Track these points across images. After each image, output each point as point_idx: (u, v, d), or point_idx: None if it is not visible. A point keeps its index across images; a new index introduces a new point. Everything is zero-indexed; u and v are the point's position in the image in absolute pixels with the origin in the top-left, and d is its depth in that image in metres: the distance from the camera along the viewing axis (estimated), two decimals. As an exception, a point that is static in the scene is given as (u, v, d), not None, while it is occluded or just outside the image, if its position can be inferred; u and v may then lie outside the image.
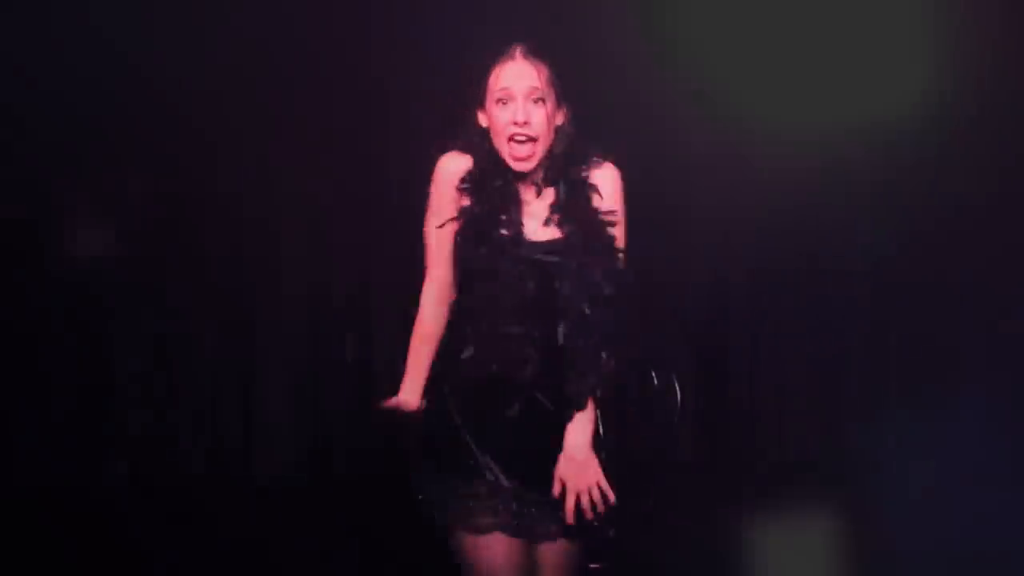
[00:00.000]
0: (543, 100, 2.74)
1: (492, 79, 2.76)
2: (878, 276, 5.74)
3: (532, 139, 2.74)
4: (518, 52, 2.76)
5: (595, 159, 2.82)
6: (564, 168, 2.78)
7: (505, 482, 2.75)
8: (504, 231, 2.74)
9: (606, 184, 2.82)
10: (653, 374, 5.35)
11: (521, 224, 2.76)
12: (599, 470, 2.77)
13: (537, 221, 2.77)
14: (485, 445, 2.76)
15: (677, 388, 5.33)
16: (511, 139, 2.74)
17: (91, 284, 5.18)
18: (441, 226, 2.81)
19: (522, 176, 2.79)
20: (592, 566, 4.13)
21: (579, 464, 2.75)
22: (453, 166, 2.80)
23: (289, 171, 5.33)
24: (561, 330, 2.72)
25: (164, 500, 5.09)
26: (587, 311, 2.71)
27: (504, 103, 2.73)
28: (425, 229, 2.86)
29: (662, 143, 5.44)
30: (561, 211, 2.77)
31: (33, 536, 4.58)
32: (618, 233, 2.83)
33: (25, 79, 4.84)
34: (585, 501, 2.74)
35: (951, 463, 4.84)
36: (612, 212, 2.80)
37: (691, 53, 5.22)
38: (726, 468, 5.54)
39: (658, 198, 5.47)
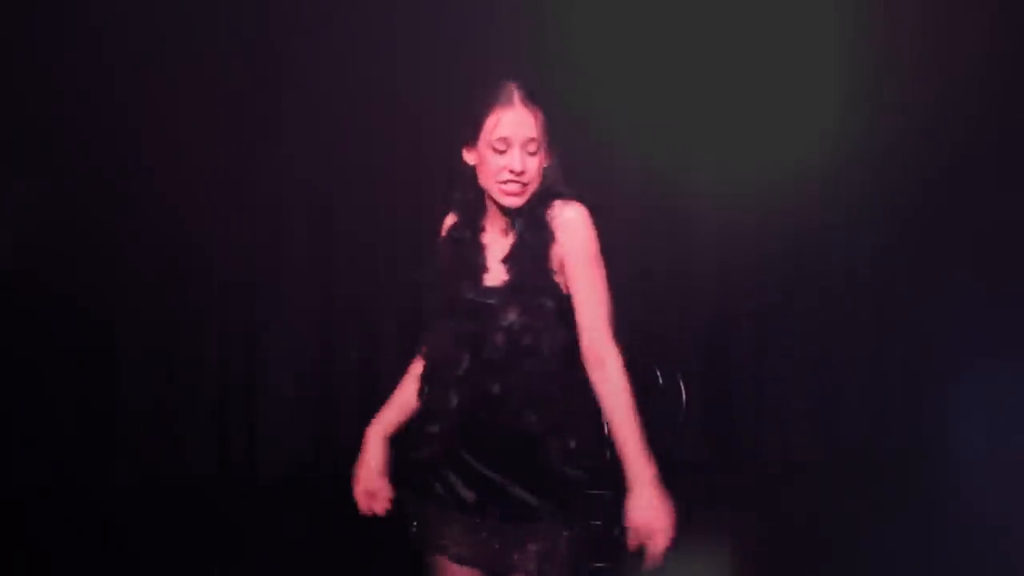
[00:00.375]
0: (538, 150, 2.78)
1: (490, 123, 2.78)
2: (881, 275, 5.78)
3: (525, 184, 2.78)
4: (516, 97, 2.78)
5: (561, 200, 2.82)
6: (531, 208, 2.80)
7: (476, 512, 2.81)
8: (459, 283, 2.82)
9: (568, 226, 2.80)
10: (658, 373, 5.37)
11: (481, 273, 2.83)
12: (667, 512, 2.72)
13: (496, 261, 2.83)
14: (458, 475, 2.83)
15: (682, 387, 5.39)
16: (503, 184, 2.78)
17: (97, 286, 5.22)
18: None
19: (502, 217, 2.84)
20: (597, 565, 4.13)
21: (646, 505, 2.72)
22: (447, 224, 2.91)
23: (296, 172, 5.41)
24: (476, 364, 2.79)
25: (169, 500, 5.13)
26: (501, 349, 2.75)
27: (501, 152, 2.77)
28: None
29: (661, 149, 5.51)
30: (514, 252, 2.81)
31: (38, 536, 4.62)
32: (584, 272, 2.79)
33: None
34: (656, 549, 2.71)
35: (955, 462, 4.84)
36: (568, 256, 2.79)
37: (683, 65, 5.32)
38: (731, 468, 5.57)
39: (661, 200, 5.57)
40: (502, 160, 2.77)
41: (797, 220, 5.60)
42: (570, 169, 2.87)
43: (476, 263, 2.84)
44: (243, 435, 5.41)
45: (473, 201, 2.86)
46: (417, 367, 2.93)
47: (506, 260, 2.81)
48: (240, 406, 5.41)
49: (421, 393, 2.88)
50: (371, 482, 2.95)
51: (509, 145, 2.77)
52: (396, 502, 2.92)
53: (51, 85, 5.01)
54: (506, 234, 2.85)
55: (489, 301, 2.79)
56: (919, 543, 4.48)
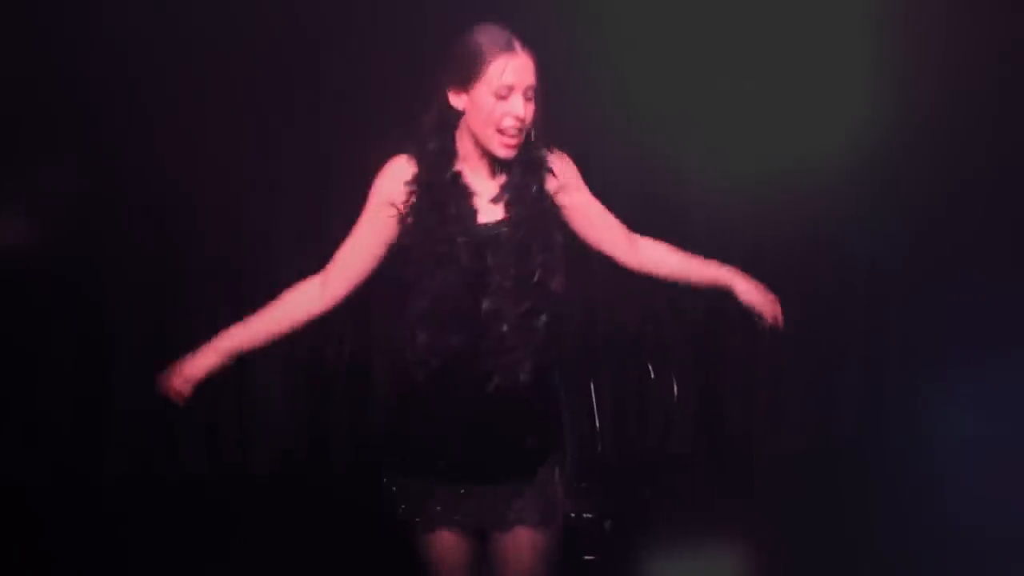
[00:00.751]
0: (534, 96, 2.77)
1: (493, 70, 2.72)
2: (875, 267, 5.73)
3: (521, 132, 2.77)
4: (516, 44, 2.74)
5: (548, 148, 2.87)
6: (523, 150, 2.79)
7: (459, 475, 2.81)
8: (453, 224, 2.76)
9: (561, 165, 2.88)
10: (650, 367, 5.37)
11: (474, 211, 2.78)
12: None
13: (486, 201, 2.80)
14: (439, 438, 2.81)
15: (674, 381, 5.40)
16: (503, 131, 2.74)
17: (88, 281, 5.15)
18: (391, 215, 2.83)
19: (482, 160, 2.83)
20: (587, 557, 4.14)
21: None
22: (401, 168, 2.81)
23: (284, 168, 5.31)
24: (485, 304, 2.75)
25: (162, 495, 5.06)
26: (510, 284, 2.74)
27: (504, 98, 2.72)
28: (356, 223, 2.86)
29: (654, 140, 5.43)
30: (511, 191, 2.80)
31: (30, 532, 4.54)
32: (587, 195, 2.94)
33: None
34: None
35: (950, 456, 4.80)
36: (561, 190, 2.87)
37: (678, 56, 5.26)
38: (723, 461, 5.50)
39: (652, 193, 5.48)
40: (504, 106, 2.73)
41: (788, 215, 5.52)
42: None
43: (467, 204, 2.79)
44: (235, 429, 5.32)
45: (448, 145, 2.82)
46: (295, 296, 2.88)
47: (500, 199, 2.79)
48: (232, 400, 5.31)
49: (415, 341, 2.78)
50: (183, 381, 2.91)
51: (512, 92, 2.73)
52: (381, 487, 2.90)
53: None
54: (492, 176, 2.83)
55: (495, 233, 2.77)
56: (909, 537, 4.45)
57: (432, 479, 2.81)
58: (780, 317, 3.14)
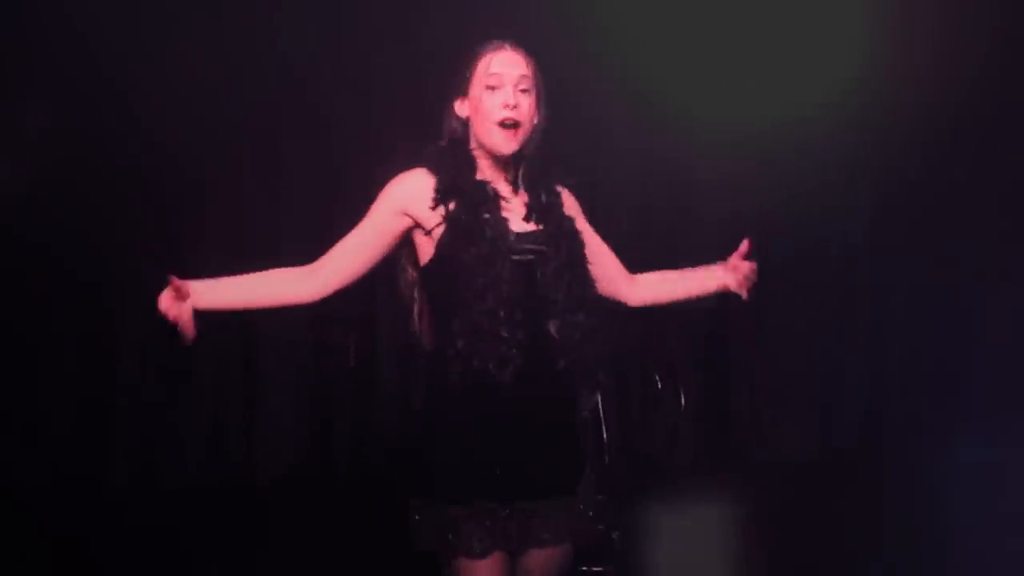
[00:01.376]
0: (529, 91, 2.82)
1: (481, 66, 2.81)
2: (878, 273, 5.71)
3: (518, 124, 2.80)
4: (507, 44, 2.83)
5: (558, 184, 2.93)
6: (540, 174, 2.87)
7: (498, 497, 2.75)
8: (489, 229, 2.76)
9: (569, 201, 2.96)
10: (657, 378, 5.36)
11: (505, 220, 2.79)
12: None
13: (516, 216, 2.83)
14: (479, 459, 2.75)
15: (680, 390, 5.40)
16: (499, 123, 2.79)
17: (93, 285, 5.13)
18: (430, 231, 2.82)
19: (499, 174, 2.86)
20: (595, 569, 4.13)
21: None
22: (414, 180, 2.81)
23: (292, 169, 5.32)
24: (553, 324, 2.77)
25: (166, 502, 5.05)
26: (560, 296, 2.78)
27: (494, 89, 2.79)
28: (353, 231, 2.86)
29: (655, 148, 5.47)
30: (539, 209, 2.85)
31: (32, 539, 4.51)
32: (586, 232, 2.97)
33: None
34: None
35: (956, 464, 4.80)
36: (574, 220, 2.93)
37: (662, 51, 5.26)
38: (729, 469, 5.49)
39: (656, 198, 5.53)
40: (496, 97, 2.80)
41: (797, 224, 5.53)
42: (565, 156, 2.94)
43: (499, 213, 2.80)
44: (240, 436, 5.31)
45: (467, 156, 2.85)
46: (283, 274, 2.86)
47: (531, 215, 2.83)
48: (237, 407, 5.31)
49: (455, 350, 2.73)
50: (181, 311, 2.80)
51: (501, 82, 2.80)
52: (408, 513, 2.85)
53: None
54: (515, 193, 2.87)
55: (539, 246, 2.79)
56: (915, 545, 4.45)
57: (469, 500, 2.74)
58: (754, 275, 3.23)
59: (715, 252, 5.59)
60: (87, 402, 5.13)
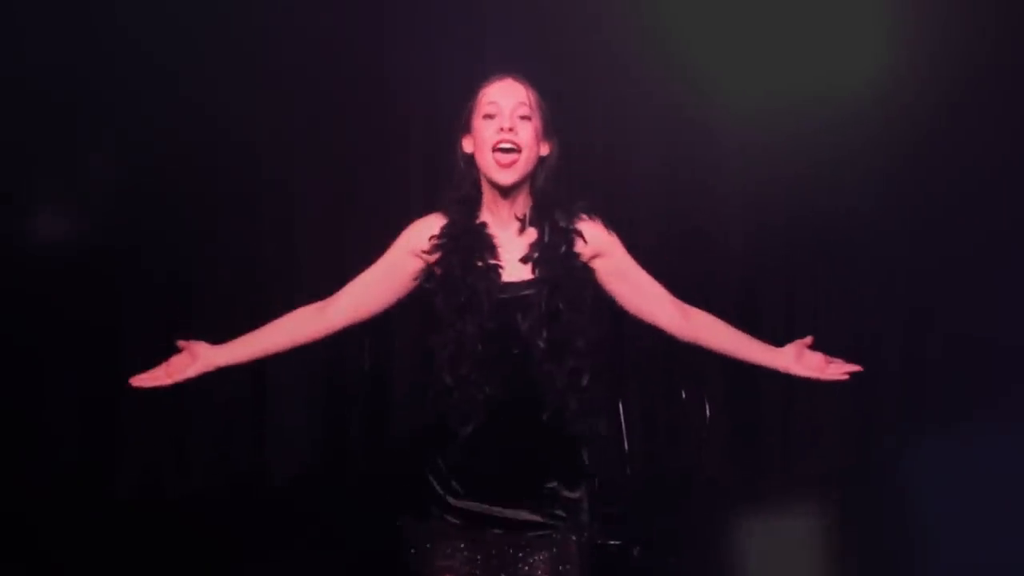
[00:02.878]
0: (529, 118, 2.81)
1: (480, 97, 2.85)
2: (915, 282, 5.51)
3: (517, 149, 2.79)
4: (509, 76, 2.86)
5: (583, 215, 2.88)
6: (551, 212, 2.83)
7: (483, 526, 2.79)
8: (479, 278, 2.78)
9: (593, 230, 2.88)
10: (682, 390, 5.24)
11: (499, 268, 2.80)
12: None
13: (514, 258, 2.82)
14: (464, 491, 2.80)
15: (706, 404, 5.28)
16: (495, 148, 2.79)
17: (103, 290, 5.07)
18: (417, 278, 2.87)
19: (506, 211, 2.84)
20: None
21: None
22: (424, 229, 2.85)
23: (306, 174, 5.27)
24: (516, 362, 2.77)
25: (173, 510, 4.99)
26: (542, 347, 2.76)
27: (491, 117, 2.81)
28: (366, 271, 2.91)
29: (686, 152, 5.39)
30: (540, 250, 2.81)
31: (36, 548, 4.48)
32: (621, 265, 2.91)
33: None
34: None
35: (986, 477, 4.70)
36: (596, 257, 2.87)
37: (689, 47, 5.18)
38: (755, 485, 5.34)
39: (685, 206, 5.42)
40: (493, 124, 2.80)
41: (828, 230, 5.41)
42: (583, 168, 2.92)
43: (492, 259, 2.81)
44: (250, 443, 5.25)
45: (472, 196, 2.86)
46: (292, 321, 2.90)
47: (529, 259, 2.80)
48: (248, 412, 5.24)
49: (435, 392, 2.81)
50: (167, 375, 2.90)
51: (498, 110, 2.81)
52: (395, 528, 2.89)
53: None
54: (520, 233, 2.83)
55: (524, 293, 2.78)
56: (952, 559, 4.32)
57: (451, 522, 2.80)
58: (846, 372, 3.04)
59: (744, 261, 5.56)
60: (91, 405, 5.06)
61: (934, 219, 5.40)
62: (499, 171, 2.78)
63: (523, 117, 2.78)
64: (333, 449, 5.32)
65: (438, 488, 2.80)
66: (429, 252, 2.82)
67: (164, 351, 4.92)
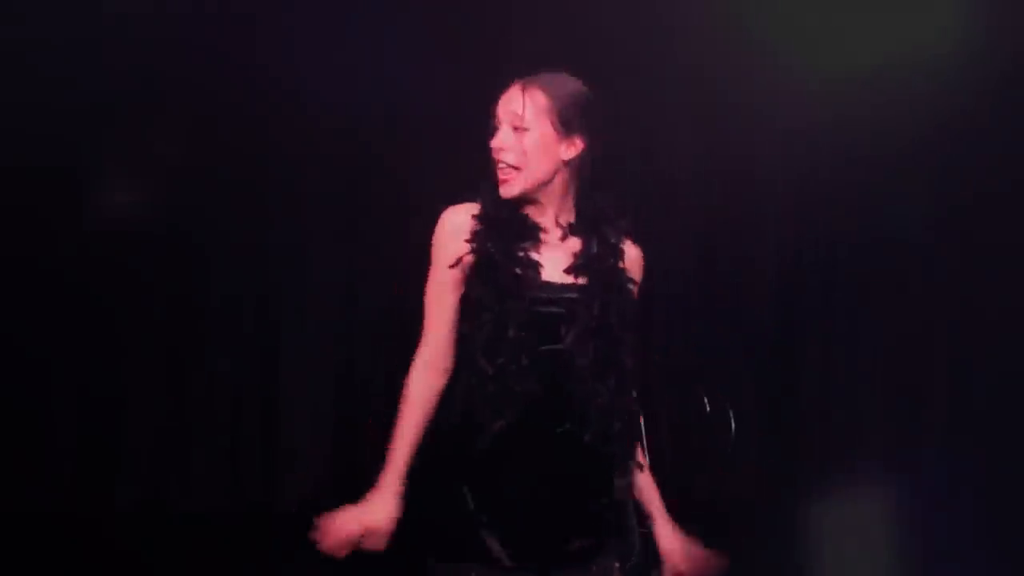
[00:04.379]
0: (526, 129, 2.72)
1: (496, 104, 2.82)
2: (960, 294, 5.41)
3: (512, 167, 2.73)
4: (516, 83, 2.78)
5: (630, 237, 2.85)
6: (597, 223, 2.79)
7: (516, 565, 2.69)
8: (518, 269, 2.71)
9: (633, 254, 2.85)
10: (705, 400, 5.11)
11: (537, 264, 2.74)
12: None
13: (557, 264, 2.76)
14: (496, 526, 2.70)
15: (731, 416, 5.16)
16: (495, 163, 2.76)
17: (106, 300, 5.08)
18: (454, 265, 2.77)
19: (547, 219, 2.79)
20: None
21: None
22: (458, 218, 2.78)
23: (318, 178, 5.29)
24: (558, 376, 2.69)
25: (180, 527, 5.01)
26: (587, 359, 2.69)
27: (495, 130, 2.77)
28: (426, 289, 2.83)
29: (718, 162, 5.40)
30: (587, 260, 2.76)
31: (36, 566, 4.55)
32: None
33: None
34: None
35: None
36: (633, 282, 2.83)
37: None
38: (785, 506, 5.28)
39: (722, 209, 5.43)
40: (494, 140, 2.76)
41: (869, 242, 5.37)
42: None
43: (534, 250, 2.74)
44: (258, 460, 5.26)
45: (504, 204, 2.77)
46: (415, 390, 2.79)
47: (577, 265, 2.75)
48: (256, 430, 5.26)
49: (465, 385, 2.71)
50: (370, 535, 2.80)
51: (499, 122, 2.77)
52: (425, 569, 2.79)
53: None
54: (563, 239, 2.77)
55: (568, 296, 2.72)
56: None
57: (490, 562, 2.69)
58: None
59: (778, 269, 5.45)
60: (92, 419, 5.07)
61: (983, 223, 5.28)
62: (500, 185, 2.74)
63: (517, 128, 2.72)
64: (345, 468, 5.28)
65: (478, 521, 2.69)
66: (471, 236, 2.73)
67: (165, 356, 5.03)
